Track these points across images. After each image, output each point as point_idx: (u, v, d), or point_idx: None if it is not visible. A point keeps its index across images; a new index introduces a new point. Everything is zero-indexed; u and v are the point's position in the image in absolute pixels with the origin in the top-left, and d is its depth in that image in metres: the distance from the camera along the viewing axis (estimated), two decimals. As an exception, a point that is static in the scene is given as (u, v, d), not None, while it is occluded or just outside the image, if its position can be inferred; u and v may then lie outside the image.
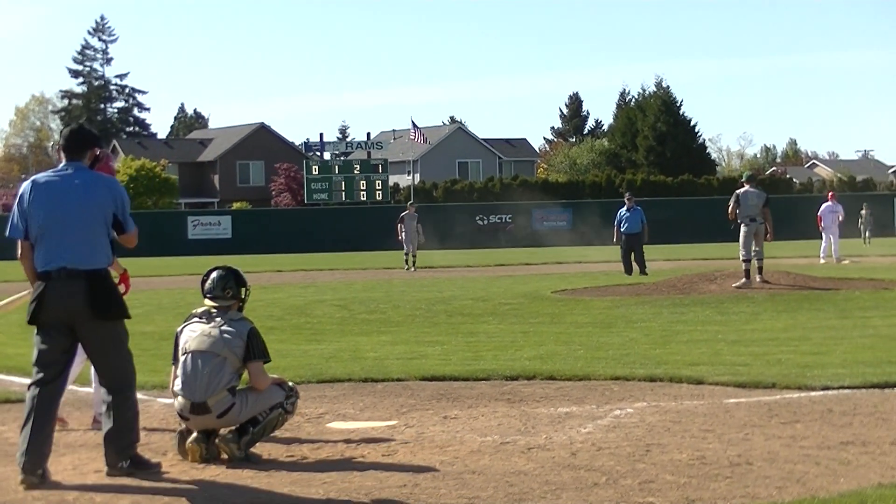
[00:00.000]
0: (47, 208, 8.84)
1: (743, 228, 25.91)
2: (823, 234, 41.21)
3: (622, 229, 34.94)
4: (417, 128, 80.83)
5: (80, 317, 8.80)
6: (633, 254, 34.58)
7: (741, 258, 25.93)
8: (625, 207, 35.35)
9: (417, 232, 43.80)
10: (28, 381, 9.11)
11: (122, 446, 8.94)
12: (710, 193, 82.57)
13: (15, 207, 8.98)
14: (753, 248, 25.89)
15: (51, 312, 8.81)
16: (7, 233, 9.03)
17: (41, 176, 9.08)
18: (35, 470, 8.68)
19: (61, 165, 9.06)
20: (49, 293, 8.80)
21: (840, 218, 41.30)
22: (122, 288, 9.98)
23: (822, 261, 39.34)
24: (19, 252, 9.03)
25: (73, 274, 8.77)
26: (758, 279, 25.75)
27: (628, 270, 34.26)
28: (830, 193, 44.11)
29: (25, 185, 9.04)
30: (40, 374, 8.88)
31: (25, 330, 9.17)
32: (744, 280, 25.54)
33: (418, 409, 11.87)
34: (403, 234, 44.11)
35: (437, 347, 17.03)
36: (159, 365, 14.56)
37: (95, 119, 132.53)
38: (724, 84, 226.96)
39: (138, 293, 30.55)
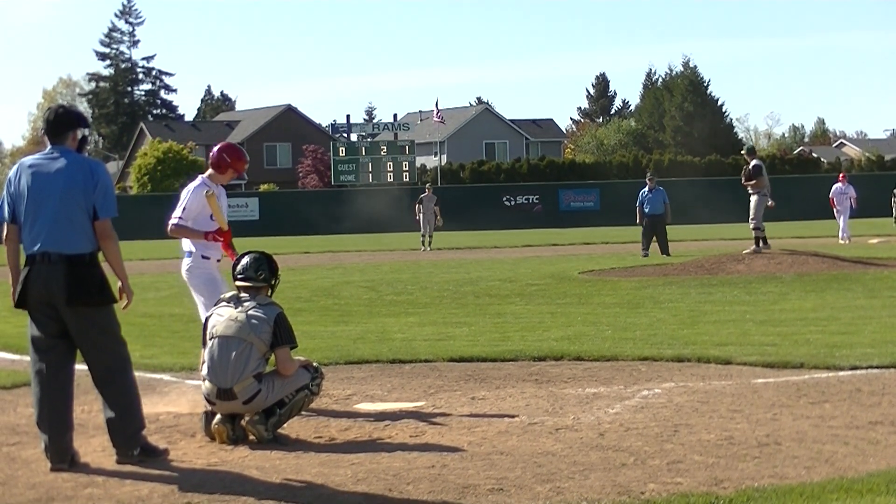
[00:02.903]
0: (31, 192, 8.78)
1: (761, 199, 27.12)
2: (838, 215, 41.11)
3: (645, 210, 34.84)
4: (438, 110, 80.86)
5: (59, 302, 8.69)
6: (655, 235, 34.49)
7: (755, 226, 27.30)
8: (647, 188, 35.23)
9: (435, 214, 44.77)
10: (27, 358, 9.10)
11: (128, 435, 8.87)
12: (737, 174, 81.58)
13: (4, 191, 8.97)
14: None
15: (35, 296, 8.75)
16: None
17: (28, 159, 9.03)
18: (63, 459, 8.71)
19: (47, 149, 8.96)
20: (32, 277, 8.73)
21: (852, 199, 41.22)
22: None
23: (841, 241, 39.17)
24: (4, 235, 9.00)
25: (54, 258, 8.68)
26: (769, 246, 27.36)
27: (646, 250, 34.09)
28: (841, 175, 43.93)
29: (14, 169, 9.00)
30: (42, 363, 8.83)
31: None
32: (760, 246, 27.10)
33: (446, 391, 11.88)
34: (421, 215, 45.04)
35: (464, 328, 17.04)
36: (188, 347, 14.62)
37: (123, 102, 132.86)
38: (752, 63, 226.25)
39: (166, 275, 30.64)
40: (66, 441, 8.76)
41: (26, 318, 8.97)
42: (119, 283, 9.00)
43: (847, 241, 38.86)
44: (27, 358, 9.20)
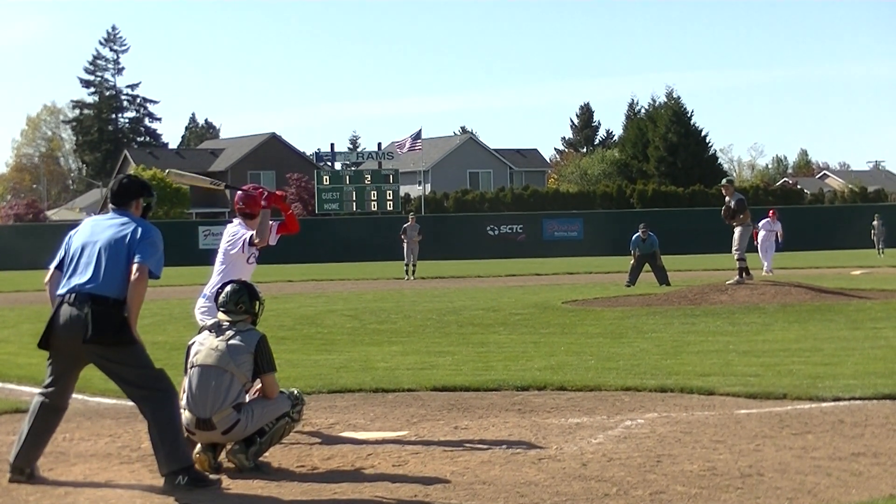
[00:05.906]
0: (81, 241, 9.11)
1: (745, 230, 27.85)
2: (759, 250, 41.10)
3: (636, 253, 35.01)
4: (415, 139, 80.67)
5: (78, 339, 8.84)
6: (651, 269, 34.59)
7: (739, 256, 27.70)
8: (640, 235, 35.23)
9: (418, 243, 45.00)
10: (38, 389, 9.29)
11: (167, 454, 8.88)
12: (721, 204, 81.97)
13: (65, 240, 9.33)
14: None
15: (59, 335, 8.94)
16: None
17: (93, 216, 9.46)
18: (24, 469, 8.99)
19: (110, 213, 9.34)
20: (58, 316, 8.94)
21: (779, 234, 41.41)
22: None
23: (765, 273, 38.98)
24: (46, 278, 9.26)
25: (81, 298, 8.86)
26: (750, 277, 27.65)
27: (630, 282, 34.18)
28: (771, 211, 43.93)
29: (79, 225, 9.38)
30: (49, 389, 9.11)
31: (36, 339, 9.23)
32: (743, 277, 27.32)
33: (429, 420, 11.87)
34: (405, 244, 45.12)
35: (447, 358, 17.02)
36: (171, 375, 14.56)
37: (107, 129, 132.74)
38: (735, 95, 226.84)
39: (149, 303, 30.51)
40: (34, 454, 9.11)
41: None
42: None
43: (770, 274, 38.73)
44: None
